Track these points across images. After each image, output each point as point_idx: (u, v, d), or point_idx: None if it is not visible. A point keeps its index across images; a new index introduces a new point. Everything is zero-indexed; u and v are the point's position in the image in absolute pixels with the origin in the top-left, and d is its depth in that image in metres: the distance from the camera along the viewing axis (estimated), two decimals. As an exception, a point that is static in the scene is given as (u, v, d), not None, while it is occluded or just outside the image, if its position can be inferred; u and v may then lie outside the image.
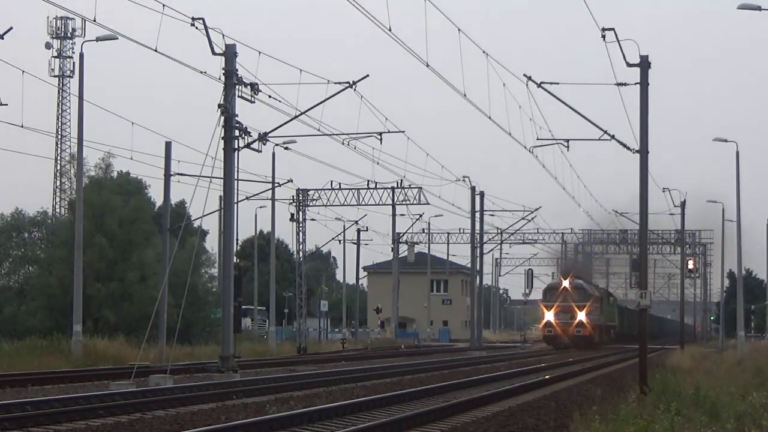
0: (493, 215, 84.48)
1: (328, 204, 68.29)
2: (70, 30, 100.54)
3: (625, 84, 32.67)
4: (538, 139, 39.34)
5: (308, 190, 67.87)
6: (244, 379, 33.30)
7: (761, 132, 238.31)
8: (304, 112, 38.74)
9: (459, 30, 34.60)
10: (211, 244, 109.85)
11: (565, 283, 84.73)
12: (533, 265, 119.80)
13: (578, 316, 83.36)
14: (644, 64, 31.63)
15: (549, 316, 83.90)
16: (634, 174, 32.18)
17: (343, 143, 44.64)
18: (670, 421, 17.66)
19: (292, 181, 63.07)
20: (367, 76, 38.92)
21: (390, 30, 30.60)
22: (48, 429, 19.42)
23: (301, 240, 67.45)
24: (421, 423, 21.45)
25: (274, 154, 61.99)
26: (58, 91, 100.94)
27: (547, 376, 37.67)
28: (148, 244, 67.32)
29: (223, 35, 36.13)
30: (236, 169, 37.52)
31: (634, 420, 17.89)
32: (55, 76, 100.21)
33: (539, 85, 33.43)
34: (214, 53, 35.89)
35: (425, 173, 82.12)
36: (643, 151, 31.85)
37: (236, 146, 37.07)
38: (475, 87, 37.24)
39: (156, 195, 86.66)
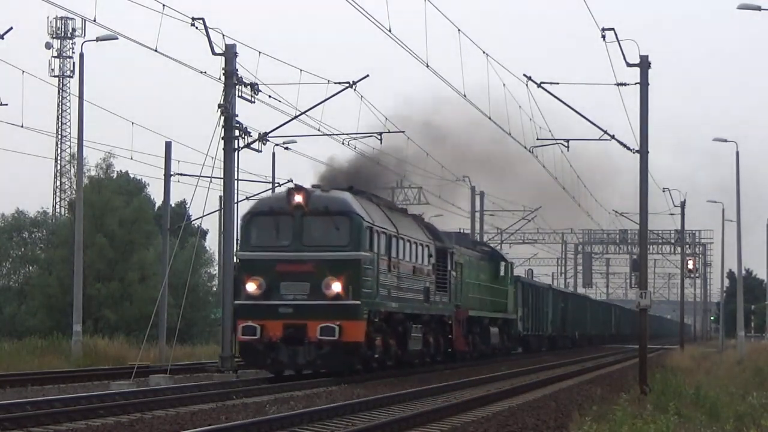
0: (493, 215, 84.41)
1: (328, 204, 68.02)
2: (70, 30, 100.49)
3: (625, 84, 32.69)
4: (538, 139, 39.32)
5: (308, 190, 67.58)
6: (244, 379, 33.28)
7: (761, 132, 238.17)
8: (304, 112, 38.76)
9: (459, 30, 34.59)
10: (211, 244, 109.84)
11: (298, 199, 33.86)
12: (533, 265, 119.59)
13: (332, 287, 33.21)
14: (644, 64, 31.64)
15: (251, 288, 33.65)
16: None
17: (343, 143, 44.63)
18: (666, 422, 17.67)
19: (292, 181, 62.71)
20: (367, 76, 38.91)
21: (390, 30, 30.61)
22: (48, 429, 19.42)
23: (301, 240, 67.01)
24: (421, 423, 21.45)
25: (274, 154, 61.85)
26: (58, 91, 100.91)
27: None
28: (148, 244, 67.39)
29: (223, 35, 36.13)
30: (236, 169, 37.54)
31: (633, 420, 17.90)
32: (55, 76, 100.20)
33: (539, 85, 33.43)
34: (214, 53, 35.90)
35: (425, 173, 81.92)
36: (643, 151, 31.86)
37: (236, 146, 37.09)
38: (475, 87, 37.23)
39: (156, 195, 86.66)
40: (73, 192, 77.11)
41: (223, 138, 36.43)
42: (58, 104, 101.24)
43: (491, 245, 61.34)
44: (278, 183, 61.15)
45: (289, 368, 33.95)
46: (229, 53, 36.49)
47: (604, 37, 30.66)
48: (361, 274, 33.46)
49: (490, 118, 39.07)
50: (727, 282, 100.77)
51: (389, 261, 35.74)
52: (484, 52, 35.91)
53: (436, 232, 43.40)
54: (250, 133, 37.54)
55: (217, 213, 55.41)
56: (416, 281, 38.63)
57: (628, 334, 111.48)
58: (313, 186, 35.27)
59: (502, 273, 54.80)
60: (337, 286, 33.08)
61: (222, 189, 39.04)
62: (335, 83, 38.22)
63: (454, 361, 44.91)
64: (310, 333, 32.75)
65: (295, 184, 35.39)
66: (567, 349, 75.69)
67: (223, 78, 36.53)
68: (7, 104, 46.76)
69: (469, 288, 48.15)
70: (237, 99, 36.72)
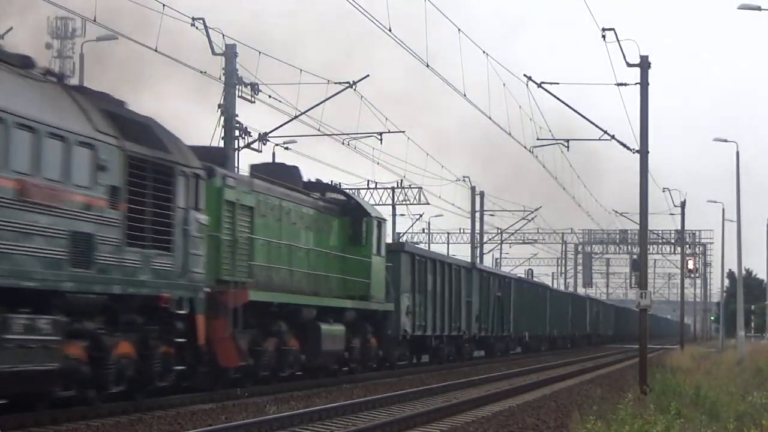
0: (493, 215, 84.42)
1: (328, 204, 67.86)
2: (70, 30, 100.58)
3: (625, 84, 32.72)
4: (538, 139, 39.39)
5: (308, 190, 67.38)
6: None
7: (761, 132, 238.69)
8: (304, 112, 38.82)
9: (459, 30, 34.59)
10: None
11: None
12: (533, 265, 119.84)
13: None
14: (644, 64, 31.65)
15: None
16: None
17: (343, 143, 44.68)
18: (669, 421, 17.67)
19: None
20: (368, 76, 38.98)
21: (390, 30, 30.63)
22: (48, 429, 19.41)
23: (301, 240, 66.52)
24: (421, 423, 21.44)
25: (274, 154, 61.76)
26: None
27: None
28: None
29: (223, 35, 36.13)
30: (236, 169, 37.56)
31: (634, 420, 17.90)
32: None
33: (539, 85, 33.45)
34: (214, 53, 35.92)
35: (425, 173, 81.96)
36: (643, 151, 31.87)
37: (236, 146, 37.13)
38: (475, 87, 37.27)
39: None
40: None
41: (223, 138, 36.46)
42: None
43: (350, 193, 37.73)
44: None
45: None
46: (229, 53, 36.51)
47: (604, 37, 30.68)
48: None
49: (490, 118, 39.13)
50: (727, 282, 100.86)
51: None
52: (484, 52, 35.97)
53: (143, 129, 21.29)
54: (250, 133, 37.59)
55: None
56: (33, 218, 17.45)
57: (610, 335, 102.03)
58: None
59: (364, 237, 33.84)
60: None
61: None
62: (335, 83, 38.31)
63: (228, 386, 25.46)
64: None
65: None
66: (510, 357, 56.58)
67: (223, 78, 36.56)
68: (7, 104, 46.77)
69: (267, 252, 28.13)
70: (237, 99, 36.75)
